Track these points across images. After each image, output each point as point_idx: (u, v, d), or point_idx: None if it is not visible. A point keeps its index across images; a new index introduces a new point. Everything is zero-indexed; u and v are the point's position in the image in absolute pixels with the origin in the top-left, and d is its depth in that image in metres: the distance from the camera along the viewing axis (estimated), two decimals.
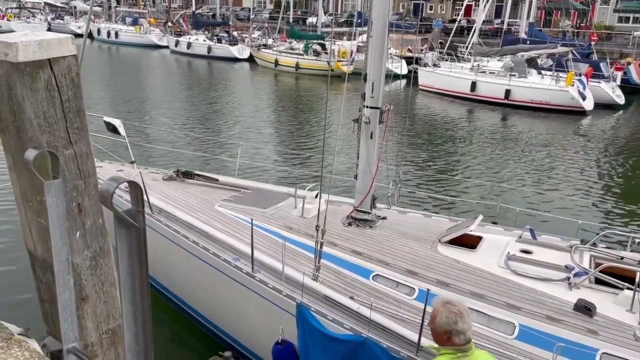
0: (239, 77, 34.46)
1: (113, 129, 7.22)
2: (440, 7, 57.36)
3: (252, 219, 5.85)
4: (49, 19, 54.33)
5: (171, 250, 6.62)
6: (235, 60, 39.69)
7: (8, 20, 50.72)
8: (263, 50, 37.95)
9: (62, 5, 63.88)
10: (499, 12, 48.33)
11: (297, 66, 34.54)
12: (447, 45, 32.21)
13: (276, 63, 35.91)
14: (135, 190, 1.80)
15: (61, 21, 54.31)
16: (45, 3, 61.48)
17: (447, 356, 2.91)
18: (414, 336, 4.59)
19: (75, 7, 60.62)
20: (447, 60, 29.97)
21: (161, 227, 6.63)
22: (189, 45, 42.51)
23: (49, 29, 48.74)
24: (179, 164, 11.78)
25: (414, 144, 17.50)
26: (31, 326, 2.73)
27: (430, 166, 15.08)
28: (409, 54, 32.18)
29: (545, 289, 5.28)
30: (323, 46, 34.81)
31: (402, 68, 28.51)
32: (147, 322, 1.85)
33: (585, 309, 4.91)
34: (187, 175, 8.49)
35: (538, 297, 5.18)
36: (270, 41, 39.88)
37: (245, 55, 39.96)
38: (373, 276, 5.68)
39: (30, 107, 2.34)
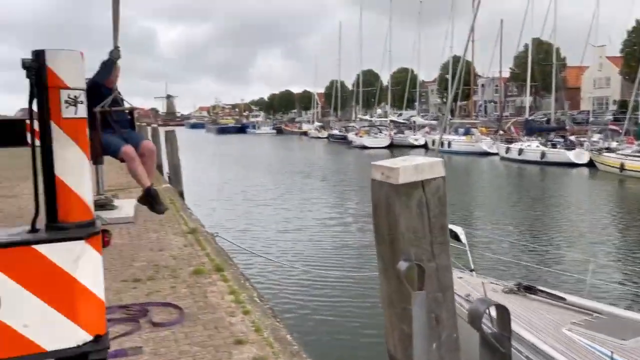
0: (577, 183, 32.20)
1: (455, 236, 7.46)
2: None
3: (612, 352, 5.10)
4: (392, 133, 61.90)
5: None
6: (572, 165, 37.44)
7: (360, 136, 60.24)
8: (605, 154, 34.93)
9: (403, 121, 72.43)
10: None
11: None
12: None
13: (622, 168, 32.42)
14: (502, 314, 1.80)
15: (401, 135, 61.34)
16: (390, 120, 70.69)
17: None
18: None
19: (415, 122, 68.05)
20: None
21: None
22: (520, 151, 42.20)
23: (391, 143, 56.44)
24: (518, 275, 11.29)
25: None
26: None
27: None
28: None
29: None
30: None
31: None
32: None
33: None
34: (529, 289, 8.01)
35: None
36: (614, 144, 36.59)
37: (584, 160, 37.36)
38: None
39: (403, 222, 2.62)
